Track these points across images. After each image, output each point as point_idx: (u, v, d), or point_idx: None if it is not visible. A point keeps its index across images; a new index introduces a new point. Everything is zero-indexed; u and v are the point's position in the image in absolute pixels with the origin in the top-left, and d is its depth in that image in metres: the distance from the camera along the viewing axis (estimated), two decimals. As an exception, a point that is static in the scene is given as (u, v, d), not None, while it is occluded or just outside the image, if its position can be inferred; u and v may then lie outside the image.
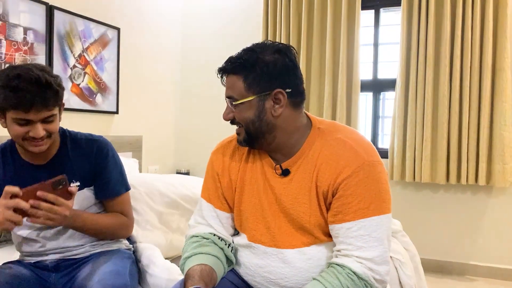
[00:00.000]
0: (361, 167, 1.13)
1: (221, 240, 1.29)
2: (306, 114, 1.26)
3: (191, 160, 4.00)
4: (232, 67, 1.18)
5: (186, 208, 2.04)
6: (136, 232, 1.83)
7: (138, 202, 1.93)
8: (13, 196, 1.27)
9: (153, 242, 1.78)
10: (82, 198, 1.53)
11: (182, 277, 1.23)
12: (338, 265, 1.11)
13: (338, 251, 1.14)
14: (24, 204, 1.26)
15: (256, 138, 1.20)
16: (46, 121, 1.38)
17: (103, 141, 1.59)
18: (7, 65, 2.42)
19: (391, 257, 1.90)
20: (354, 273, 1.08)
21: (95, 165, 1.54)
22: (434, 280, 3.09)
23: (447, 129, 3.13)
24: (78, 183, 1.52)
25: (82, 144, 1.55)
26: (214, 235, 1.30)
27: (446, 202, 3.29)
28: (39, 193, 1.28)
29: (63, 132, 1.56)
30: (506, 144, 2.99)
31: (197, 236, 1.30)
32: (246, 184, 1.28)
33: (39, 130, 1.36)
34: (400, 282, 1.92)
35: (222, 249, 1.28)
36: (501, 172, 3.00)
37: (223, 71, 1.22)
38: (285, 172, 1.22)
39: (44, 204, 1.28)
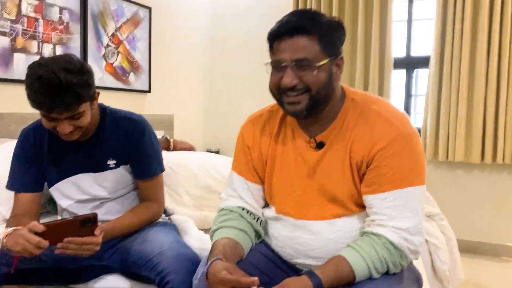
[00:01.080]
0: (396, 138, 1.12)
1: (249, 214, 1.30)
2: None
3: (221, 139, 4.04)
4: (308, 26, 1.10)
5: (219, 192, 2.07)
6: (171, 206, 1.87)
7: (177, 186, 1.97)
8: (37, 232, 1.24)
9: (187, 216, 1.83)
10: (117, 177, 1.57)
11: None
12: (374, 234, 1.11)
13: (373, 221, 1.14)
14: (44, 244, 1.23)
15: (321, 104, 1.17)
16: (72, 117, 1.38)
17: (142, 120, 1.60)
18: (44, 44, 2.49)
19: (426, 240, 1.87)
20: (391, 243, 1.08)
21: (132, 145, 1.56)
22: (468, 261, 3.03)
23: (483, 106, 3.04)
24: (114, 161, 1.56)
25: (120, 122, 1.57)
26: (243, 209, 1.30)
27: (481, 182, 3.21)
28: (66, 240, 1.25)
29: (104, 110, 1.59)
30: (546, 122, 2.88)
31: (226, 209, 1.32)
32: (277, 158, 1.28)
33: (65, 127, 1.38)
34: (433, 267, 1.89)
35: (250, 223, 1.29)
36: (540, 150, 2.90)
37: (292, 30, 1.10)
38: (320, 145, 1.22)
39: (72, 246, 1.26)
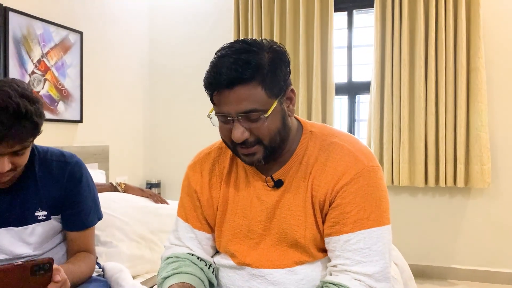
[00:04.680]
0: (361, 173, 1.01)
1: (200, 260, 1.15)
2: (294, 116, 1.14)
3: (162, 170, 3.83)
4: (246, 74, 0.94)
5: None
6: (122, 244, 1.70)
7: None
8: None
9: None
10: (47, 230, 1.33)
11: None
12: (334, 284, 0.98)
13: (334, 266, 1.02)
14: None
15: (278, 149, 1.04)
16: (15, 153, 1.17)
17: (76, 163, 1.37)
18: (-44, 71, 2.21)
19: None
20: None
21: (66, 193, 1.33)
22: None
23: (424, 130, 3.09)
24: (45, 212, 1.31)
25: (52, 166, 1.33)
26: (193, 255, 1.16)
27: (425, 205, 3.24)
28: None
29: (31, 150, 1.32)
30: (483, 145, 2.96)
31: (172, 257, 1.16)
32: (229, 202, 1.14)
33: (4, 164, 1.15)
34: None
35: (202, 269, 1.14)
36: (479, 173, 2.97)
37: (230, 83, 0.94)
38: (278, 184, 1.08)
39: None
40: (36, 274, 1.03)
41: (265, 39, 1.03)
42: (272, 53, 1.00)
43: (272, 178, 1.09)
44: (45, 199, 1.31)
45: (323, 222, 1.05)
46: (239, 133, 0.98)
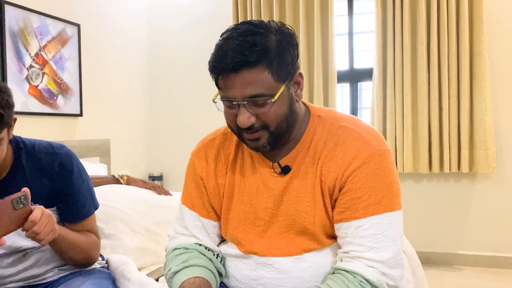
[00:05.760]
0: (372, 157, 0.99)
1: (208, 250, 1.13)
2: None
3: (164, 163, 3.80)
4: (253, 57, 0.90)
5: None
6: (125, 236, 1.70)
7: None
8: None
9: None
10: None
11: None
12: (347, 271, 0.96)
13: (346, 252, 0.99)
14: None
15: (284, 134, 1.01)
16: None
17: (66, 154, 1.32)
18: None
19: None
20: (367, 280, 0.94)
21: (58, 185, 1.29)
22: (422, 273, 3.00)
23: (428, 116, 3.06)
24: (38, 206, 1.30)
25: (41, 158, 1.29)
26: (200, 245, 1.13)
27: (430, 192, 3.22)
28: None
29: (17, 143, 1.29)
30: (488, 130, 2.93)
31: (180, 248, 1.13)
32: (235, 189, 1.11)
33: None
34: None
35: (211, 260, 1.12)
36: (484, 158, 2.95)
37: (236, 67, 0.91)
38: (285, 170, 1.06)
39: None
40: (17, 208, 1.06)
41: (272, 21, 0.99)
42: (279, 35, 0.96)
43: (279, 164, 1.06)
44: (37, 193, 1.27)
45: (333, 208, 1.03)
46: (245, 118, 0.95)
